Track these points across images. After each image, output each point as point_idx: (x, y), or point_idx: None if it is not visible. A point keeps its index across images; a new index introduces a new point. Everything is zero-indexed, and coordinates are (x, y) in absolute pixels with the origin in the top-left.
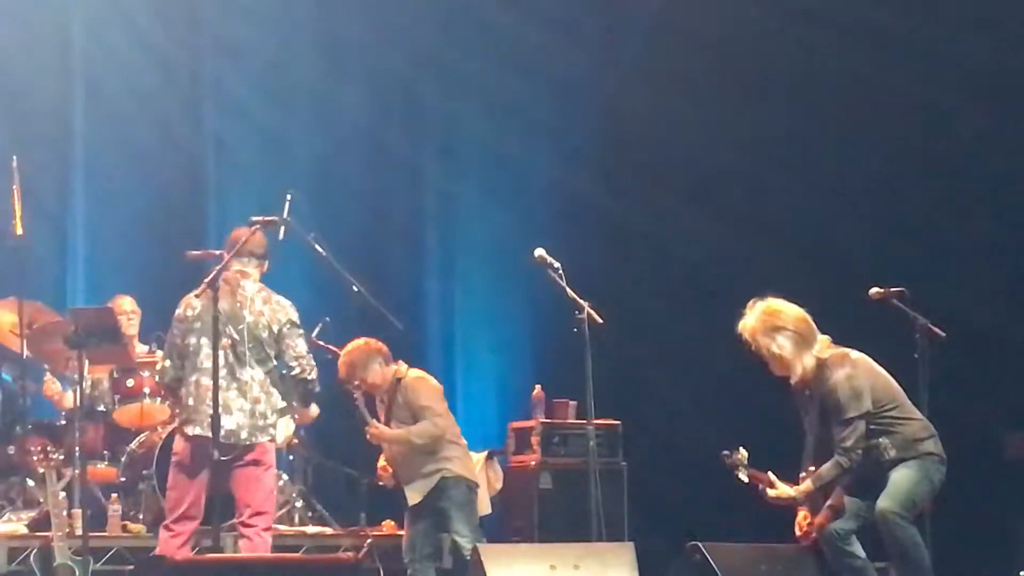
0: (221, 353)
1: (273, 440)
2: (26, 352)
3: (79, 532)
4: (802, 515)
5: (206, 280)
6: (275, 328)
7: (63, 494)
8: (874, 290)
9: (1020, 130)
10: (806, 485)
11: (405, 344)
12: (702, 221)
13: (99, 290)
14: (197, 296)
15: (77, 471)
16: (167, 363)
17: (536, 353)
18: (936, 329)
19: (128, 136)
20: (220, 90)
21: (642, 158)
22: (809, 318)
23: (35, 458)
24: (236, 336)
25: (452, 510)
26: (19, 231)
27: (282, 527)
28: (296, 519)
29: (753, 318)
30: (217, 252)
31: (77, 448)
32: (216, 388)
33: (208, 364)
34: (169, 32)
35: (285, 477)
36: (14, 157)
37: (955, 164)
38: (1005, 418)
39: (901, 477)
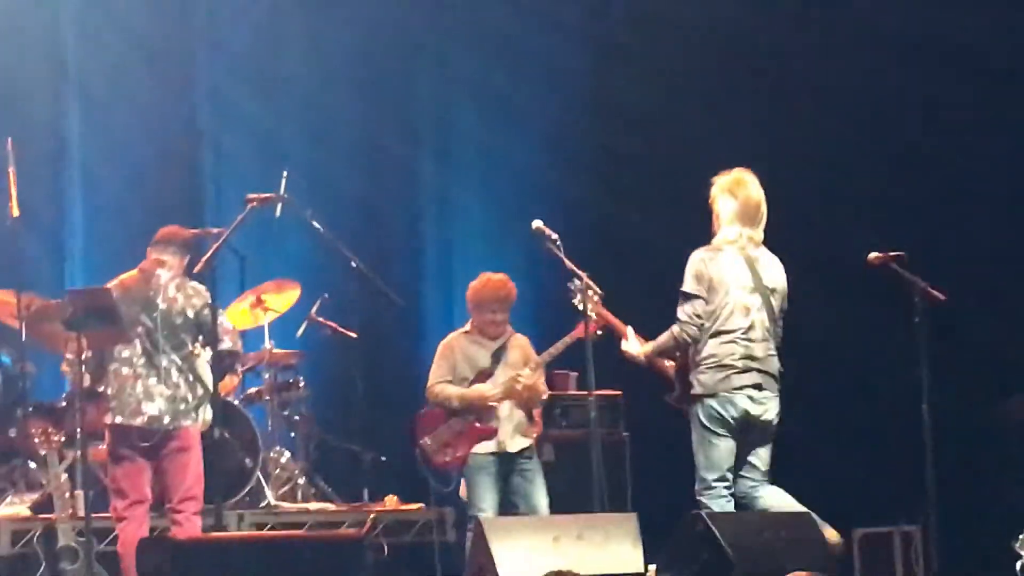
0: (137, 341)
1: (196, 423)
2: (24, 334)
3: (82, 513)
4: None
5: (204, 258)
6: (190, 313)
7: (65, 476)
8: (873, 255)
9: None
10: (647, 347)
11: (404, 319)
12: (697, 191)
13: (97, 272)
14: (122, 285)
15: (79, 452)
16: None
17: (536, 325)
18: (935, 292)
19: (123, 118)
20: (214, 69)
21: (635, 154)
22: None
23: (37, 440)
24: (150, 323)
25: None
26: (15, 213)
27: (285, 504)
28: (299, 496)
29: (726, 178)
30: (215, 230)
31: (78, 429)
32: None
33: (126, 353)
34: (159, 26)
35: (288, 454)
36: (8, 139)
37: (954, 133)
38: (1007, 382)
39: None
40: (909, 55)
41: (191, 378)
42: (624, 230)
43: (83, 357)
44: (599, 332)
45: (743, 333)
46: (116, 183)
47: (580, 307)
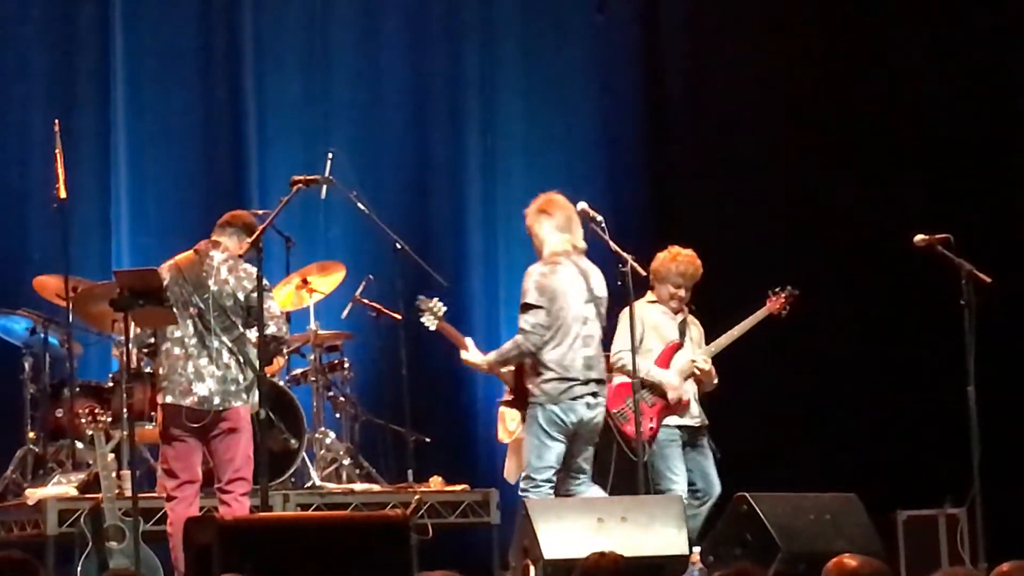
0: (190, 322)
1: (246, 404)
2: (71, 315)
3: (128, 493)
4: None
5: (250, 239)
6: (240, 296)
7: (112, 456)
8: (919, 237)
9: None
10: (489, 356)
11: (449, 300)
12: (747, 173)
13: (143, 253)
14: (176, 266)
15: (125, 433)
16: (138, 329)
17: None
18: (982, 275)
19: (169, 99)
20: (260, 48)
21: (686, 109)
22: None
23: (83, 421)
24: (202, 305)
25: None
26: (63, 195)
27: (330, 485)
28: (344, 477)
29: (534, 204)
30: (261, 211)
31: (125, 410)
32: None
33: (178, 334)
34: (205, 7)
35: (332, 435)
36: (56, 121)
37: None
38: None
39: None
40: (953, 42)
41: (242, 359)
42: (670, 212)
43: (129, 337)
44: (786, 309)
45: (582, 342)
46: (162, 164)
47: (427, 325)
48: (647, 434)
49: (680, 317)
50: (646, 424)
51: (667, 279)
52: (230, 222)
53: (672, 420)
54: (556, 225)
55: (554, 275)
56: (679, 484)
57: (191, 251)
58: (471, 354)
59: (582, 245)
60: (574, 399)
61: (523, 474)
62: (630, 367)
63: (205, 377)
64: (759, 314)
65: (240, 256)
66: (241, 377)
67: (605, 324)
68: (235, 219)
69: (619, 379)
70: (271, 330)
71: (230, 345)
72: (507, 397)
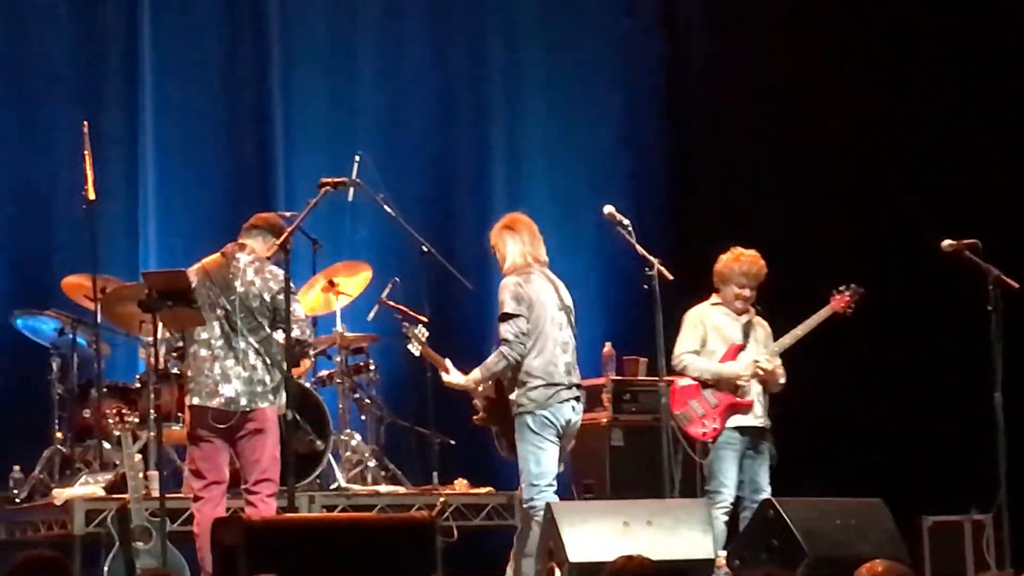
0: (217, 324)
1: (273, 405)
2: (100, 316)
3: (155, 494)
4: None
5: (277, 241)
6: (267, 297)
7: (139, 456)
8: (946, 242)
9: None
10: (474, 374)
11: (475, 303)
12: (769, 175)
13: (170, 254)
14: (203, 268)
15: (152, 433)
16: (166, 333)
17: (606, 310)
18: (1010, 280)
19: (195, 101)
20: (287, 51)
21: (709, 111)
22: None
23: (111, 421)
24: (228, 306)
25: None
26: (91, 196)
27: (356, 487)
28: (369, 478)
29: (498, 224)
30: (288, 213)
31: (152, 411)
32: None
33: (205, 335)
34: (232, 10)
35: (358, 437)
36: (84, 122)
37: None
38: None
39: None
40: (983, 40)
41: (268, 361)
42: (693, 214)
43: (157, 339)
44: (852, 307)
45: (562, 348)
46: (188, 166)
47: (413, 351)
48: (710, 434)
49: (745, 318)
50: (709, 424)
51: (731, 280)
52: (256, 224)
53: (734, 421)
54: (521, 240)
55: (529, 284)
56: (727, 489)
57: (218, 254)
58: (452, 375)
59: (545, 259)
60: (561, 403)
61: (525, 484)
62: (691, 369)
63: (232, 378)
64: (822, 313)
65: (267, 258)
66: (268, 378)
67: (577, 333)
68: (262, 221)
69: (683, 381)
70: (296, 334)
71: (256, 346)
72: (481, 415)
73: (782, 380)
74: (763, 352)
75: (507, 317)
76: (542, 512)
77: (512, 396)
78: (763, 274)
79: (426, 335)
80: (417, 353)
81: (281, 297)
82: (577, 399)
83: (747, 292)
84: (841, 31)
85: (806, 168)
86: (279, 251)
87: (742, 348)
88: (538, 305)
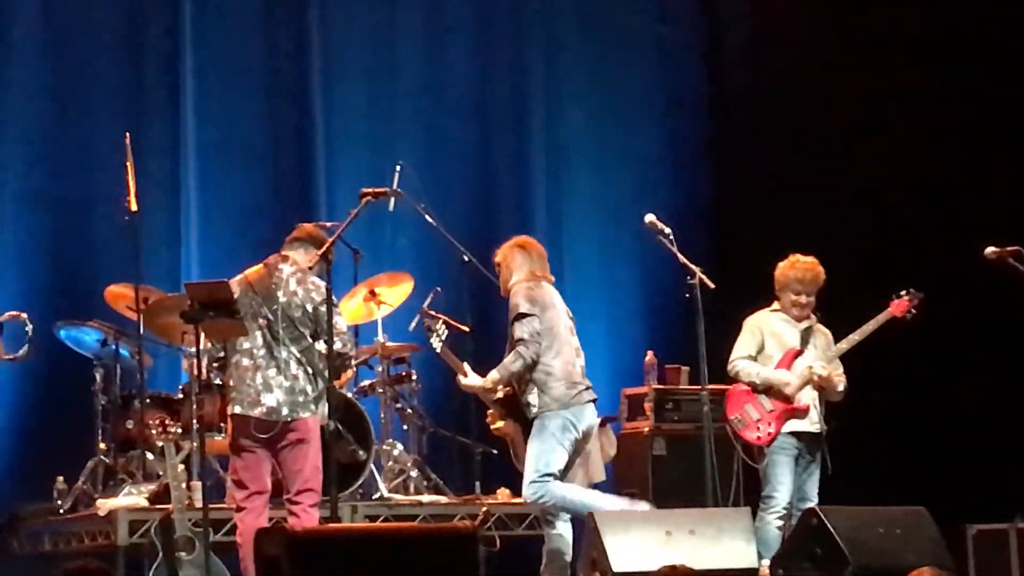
0: (259, 333)
1: (315, 415)
2: (142, 327)
3: (198, 504)
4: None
5: (319, 252)
6: (309, 307)
7: (182, 467)
8: (990, 249)
9: None
10: (492, 375)
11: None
12: (815, 181)
13: (212, 265)
14: (246, 279)
15: (195, 444)
16: (208, 344)
17: (648, 319)
18: None
19: (237, 111)
20: (328, 61)
21: (752, 116)
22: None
23: (154, 432)
24: (271, 316)
25: None
26: (134, 207)
27: (398, 496)
28: (412, 488)
29: (507, 243)
30: (329, 223)
31: (195, 421)
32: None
33: (247, 345)
34: (274, 5)
35: (400, 447)
36: (127, 133)
37: None
38: None
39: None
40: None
41: (310, 371)
42: (734, 222)
43: (199, 349)
44: (912, 311)
45: (575, 352)
46: (230, 176)
47: (434, 344)
48: (764, 439)
49: (804, 325)
50: (764, 429)
51: (787, 287)
52: (299, 237)
53: (790, 426)
54: (530, 259)
55: (540, 288)
56: (781, 494)
57: (261, 265)
58: (470, 378)
59: (551, 279)
60: (584, 404)
61: (532, 477)
62: (743, 374)
63: (273, 388)
64: (880, 318)
65: (309, 268)
66: (309, 388)
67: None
68: (304, 233)
69: (738, 386)
70: (337, 346)
71: (298, 356)
72: (497, 424)
73: (840, 388)
74: (821, 359)
75: (521, 317)
76: (551, 501)
77: (530, 398)
78: (820, 281)
79: (447, 333)
80: (438, 348)
81: (323, 308)
82: (594, 401)
83: (803, 299)
84: (889, 29)
85: (853, 173)
86: (321, 261)
87: (799, 354)
88: (551, 308)
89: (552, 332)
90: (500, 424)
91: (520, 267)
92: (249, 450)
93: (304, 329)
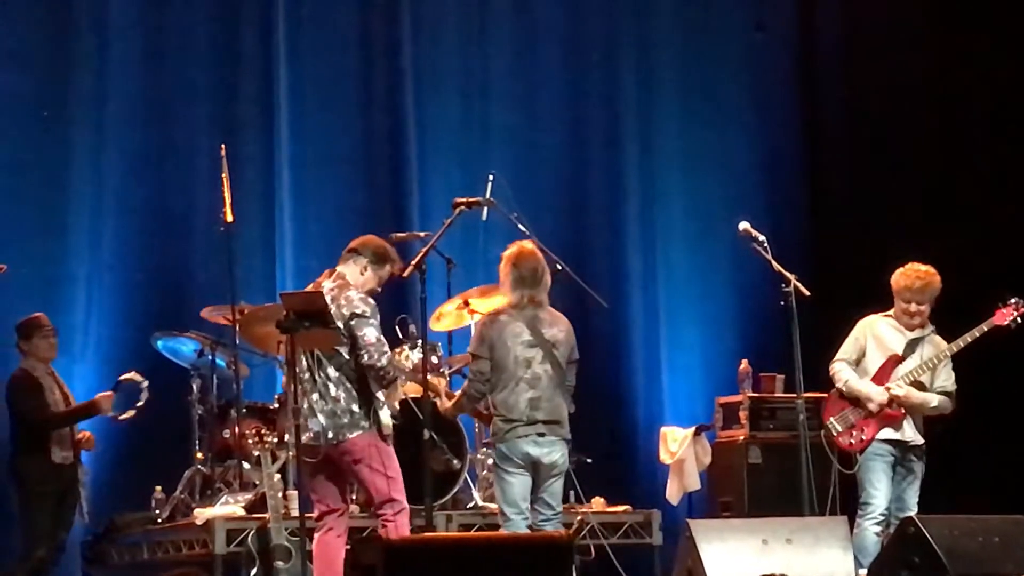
0: (303, 357)
1: (365, 432)
2: (238, 337)
3: (295, 513)
4: None
5: (413, 261)
6: (341, 324)
7: (278, 476)
8: None
9: None
10: (448, 404)
11: (610, 321)
12: (912, 186)
13: (307, 276)
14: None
15: (291, 453)
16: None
17: (742, 327)
18: None
19: (330, 123)
20: (419, 73)
21: (846, 123)
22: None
23: (250, 441)
24: None
25: None
26: (229, 218)
27: (492, 505)
28: None
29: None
30: (423, 233)
31: (291, 431)
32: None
33: (297, 368)
34: (367, 13)
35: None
36: (223, 145)
37: None
38: None
39: None
40: None
41: (353, 389)
42: (829, 230)
43: (295, 359)
44: (1017, 321)
45: (527, 385)
46: (324, 187)
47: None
48: (857, 446)
49: (916, 334)
50: (857, 435)
51: (899, 294)
52: (353, 248)
53: (884, 434)
54: (517, 280)
55: (493, 325)
56: (877, 499)
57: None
58: (442, 400)
59: (540, 298)
60: (518, 438)
61: (501, 509)
62: (838, 378)
63: (317, 412)
64: (983, 327)
65: (361, 276)
66: (355, 407)
67: (564, 364)
68: (359, 244)
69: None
70: (364, 359)
71: (336, 376)
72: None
73: (933, 404)
74: (918, 371)
75: (472, 357)
76: None
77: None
78: (932, 290)
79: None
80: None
81: (355, 322)
82: (540, 434)
83: (913, 307)
84: (990, 36)
85: (949, 180)
86: (414, 271)
87: (900, 361)
88: (499, 345)
89: (500, 368)
90: (441, 403)
91: (510, 286)
92: (311, 473)
93: (340, 347)
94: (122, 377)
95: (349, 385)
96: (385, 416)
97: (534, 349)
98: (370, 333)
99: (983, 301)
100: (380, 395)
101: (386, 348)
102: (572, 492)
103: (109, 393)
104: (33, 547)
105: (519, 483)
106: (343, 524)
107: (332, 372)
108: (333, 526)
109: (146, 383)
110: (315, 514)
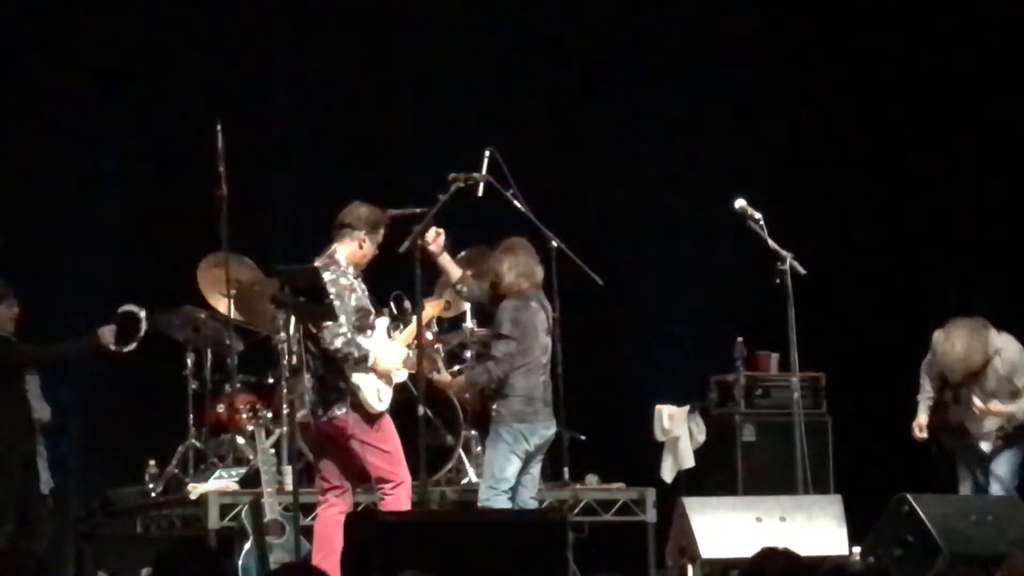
0: (296, 335)
1: (351, 411)
2: (233, 311)
3: (289, 488)
4: None
5: (408, 240)
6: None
7: (272, 451)
8: None
9: None
10: (460, 380)
11: (604, 299)
12: (911, 165)
13: (302, 251)
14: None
15: (286, 428)
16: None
17: (737, 305)
18: None
19: (324, 95)
20: (415, 40)
21: (832, 104)
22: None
23: (244, 416)
24: None
25: None
26: (223, 193)
27: None
28: None
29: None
30: (419, 210)
31: (285, 406)
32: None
33: (295, 348)
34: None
35: None
36: (218, 120)
37: None
38: None
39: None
40: None
41: (332, 366)
42: (828, 177)
43: (289, 334)
44: None
45: (543, 370)
46: (319, 163)
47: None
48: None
49: None
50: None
51: None
52: (343, 222)
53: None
54: (518, 263)
55: (527, 310)
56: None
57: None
58: (442, 375)
59: (539, 282)
60: (537, 421)
61: (488, 483)
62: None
63: (308, 390)
64: None
65: (360, 250)
66: (342, 384)
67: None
68: (351, 217)
69: None
70: (325, 341)
71: (317, 352)
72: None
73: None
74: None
75: (499, 337)
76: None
77: (494, 405)
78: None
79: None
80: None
81: (327, 300)
82: (550, 416)
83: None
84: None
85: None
86: (410, 247)
87: None
88: (531, 331)
89: (525, 355)
90: (440, 376)
91: (510, 273)
92: (311, 449)
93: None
94: (121, 309)
95: (331, 363)
96: (369, 397)
97: (548, 336)
98: (334, 313)
99: None
100: (356, 379)
101: (342, 330)
102: (566, 469)
103: (111, 326)
104: None
105: (518, 465)
106: (345, 501)
107: (316, 349)
108: (335, 503)
109: (143, 313)
110: (318, 489)
